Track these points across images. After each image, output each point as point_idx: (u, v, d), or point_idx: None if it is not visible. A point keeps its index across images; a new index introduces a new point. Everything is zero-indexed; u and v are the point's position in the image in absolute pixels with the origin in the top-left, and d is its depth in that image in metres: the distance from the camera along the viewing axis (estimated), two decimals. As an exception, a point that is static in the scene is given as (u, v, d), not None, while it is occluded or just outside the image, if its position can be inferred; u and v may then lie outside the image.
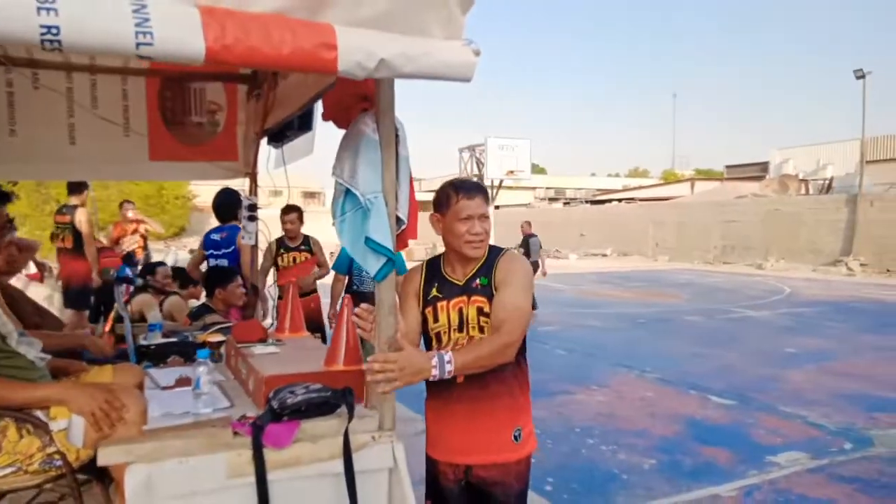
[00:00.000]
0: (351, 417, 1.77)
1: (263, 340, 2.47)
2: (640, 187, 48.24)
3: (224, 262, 4.58)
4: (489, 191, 19.39)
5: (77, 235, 5.74)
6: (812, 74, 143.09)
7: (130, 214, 7.13)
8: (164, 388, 2.15)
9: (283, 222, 5.14)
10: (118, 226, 7.16)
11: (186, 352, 2.58)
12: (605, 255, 28.53)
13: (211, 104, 3.57)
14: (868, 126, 21.49)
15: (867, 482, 3.74)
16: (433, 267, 1.99)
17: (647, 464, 4.06)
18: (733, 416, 5.07)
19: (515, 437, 1.90)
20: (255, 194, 3.82)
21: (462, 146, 21.47)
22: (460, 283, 1.90)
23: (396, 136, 1.84)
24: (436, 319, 1.91)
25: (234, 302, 3.83)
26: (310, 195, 60.40)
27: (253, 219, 3.69)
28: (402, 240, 1.90)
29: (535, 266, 9.35)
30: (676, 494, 3.60)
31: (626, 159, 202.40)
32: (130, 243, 6.90)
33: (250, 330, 2.52)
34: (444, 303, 1.90)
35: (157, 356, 2.57)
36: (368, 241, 1.74)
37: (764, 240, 22.69)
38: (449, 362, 1.66)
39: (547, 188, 52.59)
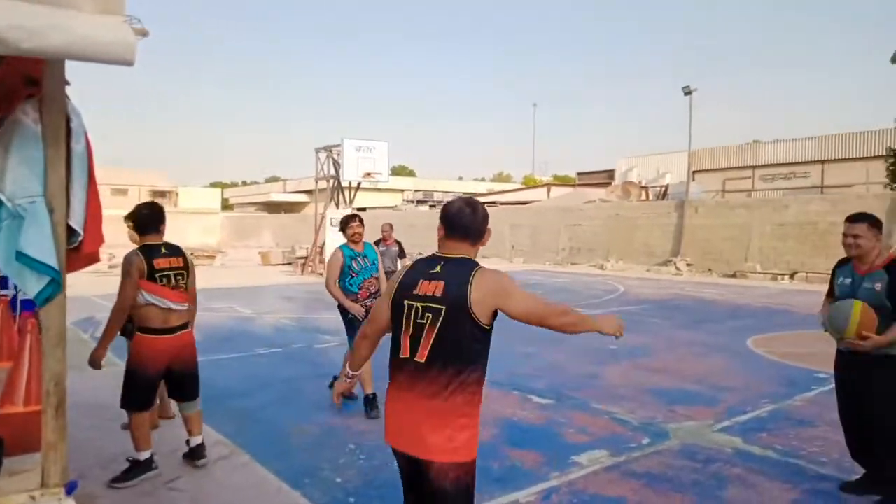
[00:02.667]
0: (-2, 474, 1.45)
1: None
2: (503, 191, 50.11)
3: None
4: (349, 192, 18.74)
5: None
6: (658, 88, 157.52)
7: None
8: None
9: None
10: None
11: None
12: (465, 257, 29.11)
13: None
14: (700, 139, 23.81)
15: (655, 476, 3.93)
16: None
17: (454, 473, 3.98)
18: (548, 415, 5.20)
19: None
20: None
21: (319, 146, 20.85)
22: None
23: (68, 127, 1.53)
24: None
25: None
26: (160, 194, 56.06)
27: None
28: (80, 255, 1.58)
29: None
30: (476, 504, 3.55)
31: (492, 164, 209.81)
32: None
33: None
34: None
35: None
36: (22, 256, 1.42)
37: (605, 242, 24.37)
38: None
39: (415, 190, 52.97)
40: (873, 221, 3.42)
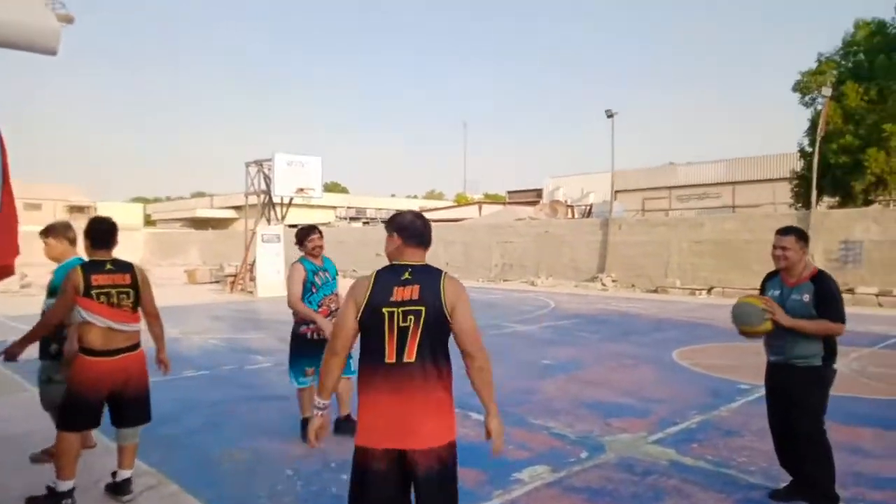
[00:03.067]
0: None
1: None
2: (435, 209, 50.40)
3: None
4: (280, 208, 18.31)
5: None
6: (582, 109, 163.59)
7: None
8: None
9: None
10: None
11: None
12: (397, 274, 28.98)
13: None
14: (620, 160, 24.82)
15: (596, 491, 3.98)
16: None
17: (397, 496, 3.90)
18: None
19: None
20: None
21: (249, 160, 20.28)
22: None
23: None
24: None
25: None
26: (77, 209, 52.80)
27: None
28: None
29: None
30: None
31: (424, 182, 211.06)
32: None
33: None
34: None
35: None
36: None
37: (536, 258, 24.91)
38: None
39: (348, 207, 52.46)
40: (800, 234, 3.59)
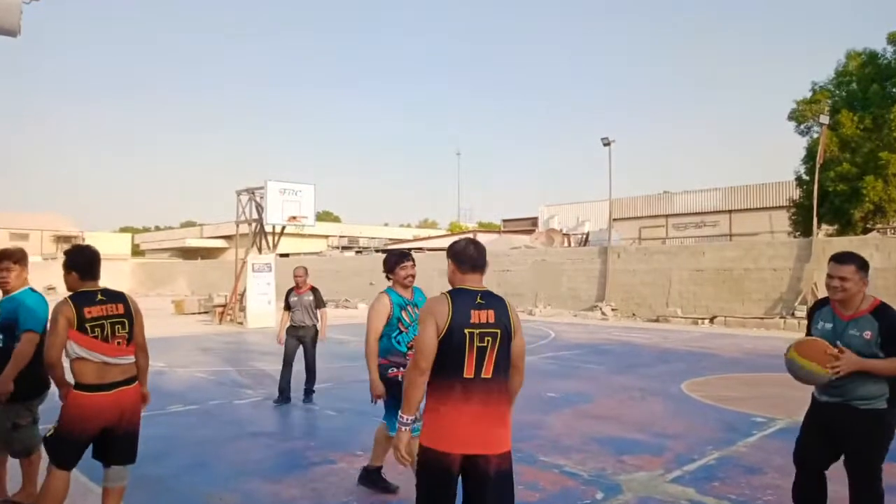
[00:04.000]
0: None
1: None
2: (429, 237, 50.28)
3: None
4: (272, 237, 18.04)
5: None
6: (577, 138, 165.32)
7: None
8: None
9: None
10: None
11: None
12: (393, 304, 28.59)
13: None
14: (616, 188, 24.78)
15: (615, 536, 3.65)
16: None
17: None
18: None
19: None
20: None
21: (240, 189, 20.06)
22: None
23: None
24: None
25: None
26: (64, 239, 52.42)
27: None
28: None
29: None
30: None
31: (418, 211, 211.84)
32: None
33: None
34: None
35: None
36: None
37: (533, 287, 24.63)
38: None
39: (341, 236, 52.27)
40: (861, 263, 3.12)
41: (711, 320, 18.95)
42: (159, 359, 11.24)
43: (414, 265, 4.22)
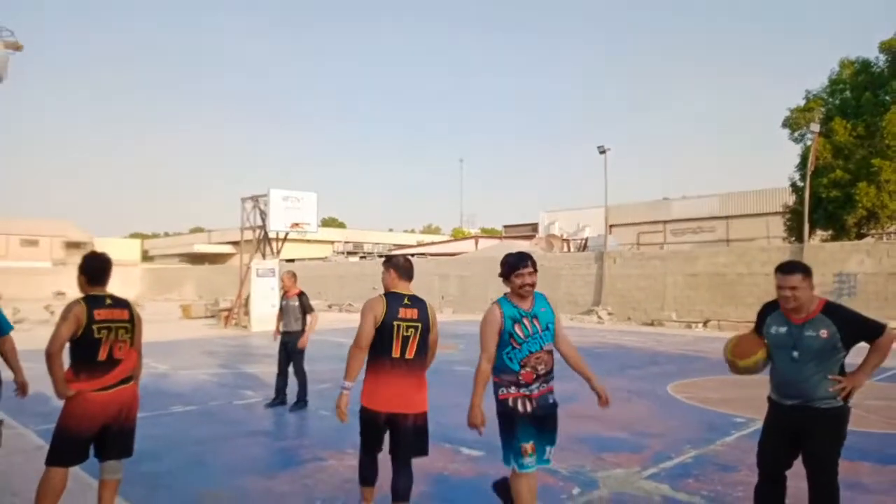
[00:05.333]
0: None
1: None
2: (432, 243, 50.55)
3: None
4: (276, 243, 18.33)
5: None
6: (577, 143, 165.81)
7: None
8: None
9: None
10: None
11: None
12: (393, 309, 28.85)
13: None
14: (614, 195, 25.04)
15: (586, 527, 3.88)
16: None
17: (382, 534, 3.79)
18: (479, 468, 5.10)
19: None
20: None
21: (245, 196, 20.37)
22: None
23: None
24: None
25: None
26: (74, 245, 52.80)
27: None
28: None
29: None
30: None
31: (421, 217, 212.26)
32: None
33: None
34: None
35: None
36: None
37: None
38: None
39: (346, 242, 52.52)
40: (806, 271, 3.22)
41: (705, 324, 19.16)
42: (164, 361, 11.51)
43: (534, 271, 3.53)
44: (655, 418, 6.94)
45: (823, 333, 3.14)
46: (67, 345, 3.44)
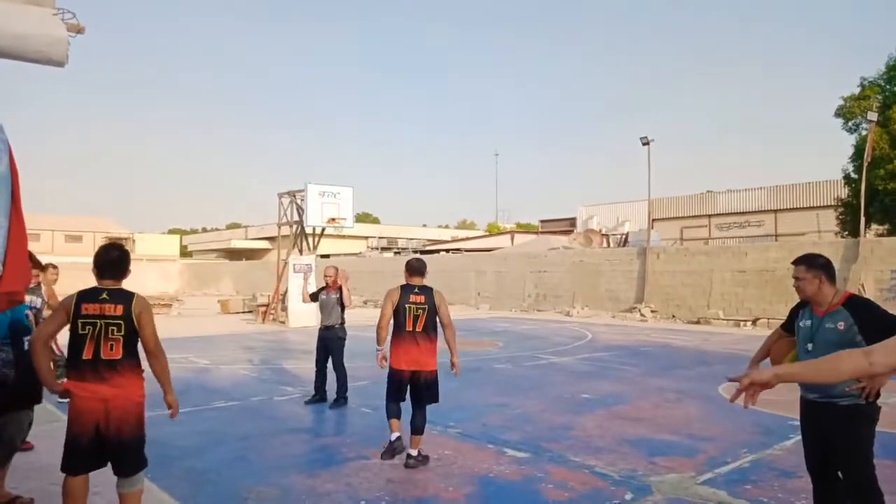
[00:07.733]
0: None
1: None
2: (467, 238, 50.36)
3: None
4: (313, 239, 18.36)
5: None
6: (615, 136, 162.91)
7: None
8: None
9: None
10: None
11: None
12: (430, 304, 28.86)
13: None
14: (656, 188, 24.42)
15: (642, 536, 3.68)
16: None
17: (428, 539, 3.66)
18: (525, 470, 4.92)
19: None
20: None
21: (282, 191, 20.55)
22: None
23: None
24: None
25: None
26: (73, 238, 54.19)
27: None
28: None
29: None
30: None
31: (456, 212, 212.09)
32: None
33: None
34: None
35: None
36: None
37: (571, 288, 24.45)
38: None
39: (380, 237, 52.79)
40: (811, 263, 3.35)
41: (754, 322, 18.50)
42: (204, 356, 11.66)
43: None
44: (708, 421, 6.65)
45: (840, 326, 3.17)
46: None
